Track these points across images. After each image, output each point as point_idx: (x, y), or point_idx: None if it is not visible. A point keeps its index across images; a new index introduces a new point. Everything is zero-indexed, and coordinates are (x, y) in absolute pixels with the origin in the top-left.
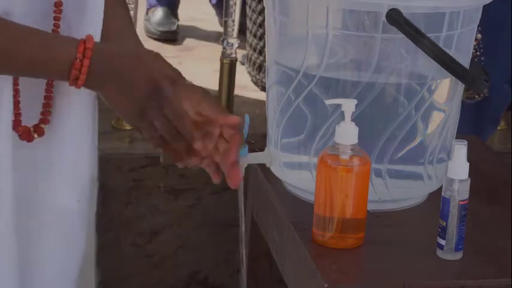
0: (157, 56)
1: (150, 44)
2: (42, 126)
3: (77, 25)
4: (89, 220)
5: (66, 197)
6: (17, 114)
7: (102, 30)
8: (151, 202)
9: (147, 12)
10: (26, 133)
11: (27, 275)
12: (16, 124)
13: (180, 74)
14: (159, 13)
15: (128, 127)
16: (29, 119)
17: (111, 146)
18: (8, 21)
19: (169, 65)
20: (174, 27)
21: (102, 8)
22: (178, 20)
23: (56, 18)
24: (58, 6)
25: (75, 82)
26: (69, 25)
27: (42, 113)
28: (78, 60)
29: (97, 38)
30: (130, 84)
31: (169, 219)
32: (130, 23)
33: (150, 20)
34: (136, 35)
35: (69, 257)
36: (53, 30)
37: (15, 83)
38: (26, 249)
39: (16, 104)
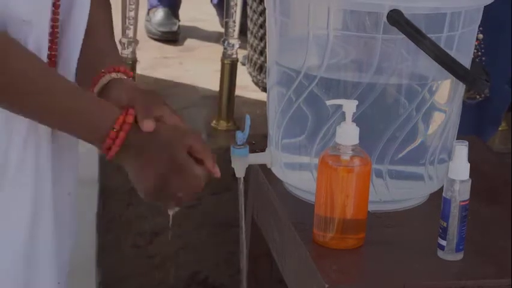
0: (187, 130)
1: (151, 45)
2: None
3: (65, 27)
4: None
5: (65, 191)
6: None
7: (85, 43)
8: (152, 203)
9: (148, 13)
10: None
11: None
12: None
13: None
14: (160, 14)
15: None
16: None
17: None
18: (49, 70)
19: (197, 135)
20: (174, 28)
21: (87, 13)
22: (179, 21)
23: (54, 20)
24: (57, 7)
25: (107, 152)
26: (61, 27)
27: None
28: (114, 130)
29: (80, 34)
30: (152, 155)
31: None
32: (112, 37)
33: (151, 20)
34: (116, 49)
35: (63, 246)
36: (52, 26)
37: None
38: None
39: None
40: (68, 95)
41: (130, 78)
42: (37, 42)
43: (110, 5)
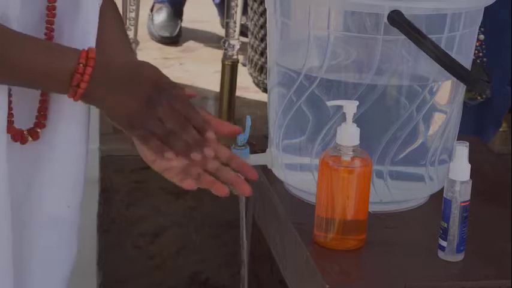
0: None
1: (152, 45)
2: (38, 130)
3: (69, 31)
4: (80, 226)
5: (56, 203)
6: (9, 114)
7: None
8: (153, 203)
9: (151, 9)
10: (18, 135)
11: (20, 281)
12: (8, 125)
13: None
14: (163, 14)
15: None
16: (23, 122)
17: (112, 148)
18: (5, 27)
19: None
20: (175, 32)
21: (97, 16)
22: (181, 21)
23: (49, 22)
24: (51, 10)
25: (75, 90)
26: (62, 30)
27: (37, 117)
28: (81, 65)
29: (92, 34)
30: (136, 83)
31: (170, 220)
32: (123, 31)
33: (154, 20)
34: (129, 42)
35: (60, 262)
36: (45, 34)
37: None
38: (19, 254)
39: (8, 104)
40: (24, 43)
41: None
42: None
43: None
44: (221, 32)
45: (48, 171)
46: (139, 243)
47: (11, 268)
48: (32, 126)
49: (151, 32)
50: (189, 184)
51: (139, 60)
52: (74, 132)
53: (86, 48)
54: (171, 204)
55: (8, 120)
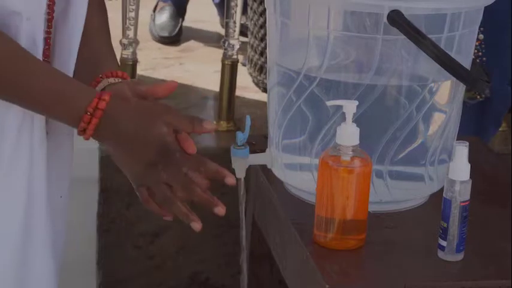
0: (167, 110)
1: (152, 45)
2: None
3: (61, 28)
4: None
5: (58, 193)
6: None
7: (82, 49)
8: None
9: (154, 8)
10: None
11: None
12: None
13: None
14: (165, 14)
15: None
16: None
17: None
18: (28, 53)
19: (173, 110)
20: (174, 32)
21: (84, 13)
22: (183, 20)
23: (49, 20)
24: (51, 8)
25: (82, 133)
26: (56, 27)
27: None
28: (88, 114)
29: (77, 36)
30: (138, 146)
31: (170, 220)
32: (109, 42)
33: (155, 21)
34: (113, 54)
35: (55, 252)
36: (46, 32)
37: None
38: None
39: None
40: (45, 75)
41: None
42: (31, 36)
43: (105, 9)
44: (221, 31)
45: (54, 162)
46: (139, 243)
47: (48, 245)
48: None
49: (152, 32)
50: (167, 217)
51: (151, 110)
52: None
53: (100, 95)
54: None
55: None
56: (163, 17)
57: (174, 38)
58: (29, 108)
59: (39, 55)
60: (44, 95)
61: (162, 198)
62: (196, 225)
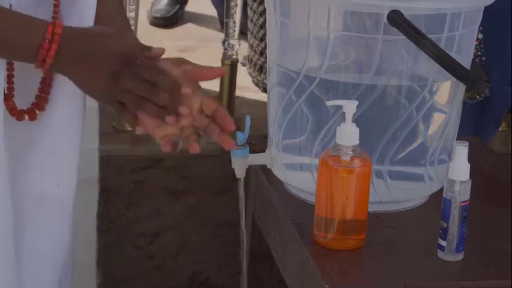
0: (124, 33)
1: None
2: (36, 111)
3: (68, 11)
4: (73, 209)
5: (45, 182)
6: (9, 88)
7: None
8: (153, 203)
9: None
10: (15, 111)
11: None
12: (7, 98)
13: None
14: (164, 1)
15: (130, 128)
16: (25, 99)
17: (112, 148)
18: None
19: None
20: (168, 14)
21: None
22: (181, 7)
23: (56, 5)
24: None
25: (41, 63)
26: (61, 12)
27: (37, 97)
28: (46, 40)
29: (91, 7)
30: (102, 59)
31: (170, 220)
32: (121, 6)
33: (153, 5)
34: (126, 18)
35: (50, 243)
36: (52, 17)
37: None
38: (13, 232)
39: (10, 77)
40: None
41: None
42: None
43: None
44: (221, 31)
45: (38, 151)
46: (139, 243)
47: (12, 246)
48: (30, 106)
49: (149, 16)
50: (166, 148)
51: (108, 31)
52: (71, 117)
53: (53, 21)
54: (171, 204)
55: (8, 93)
56: (162, 3)
57: (167, 19)
58: None
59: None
60: None
61: (133, 104)
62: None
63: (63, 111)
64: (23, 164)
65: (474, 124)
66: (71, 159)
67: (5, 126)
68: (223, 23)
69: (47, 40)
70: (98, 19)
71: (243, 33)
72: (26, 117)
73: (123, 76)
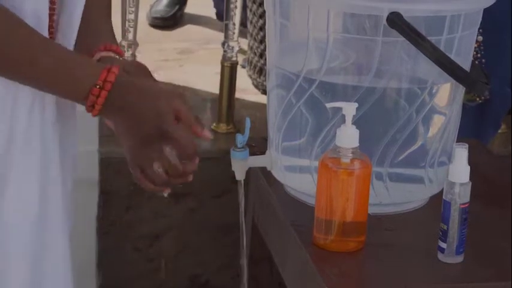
0: (172, 93)
1: (151, 46)
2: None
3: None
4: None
5: (69, 178)
6: None
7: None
8: (152, 206)
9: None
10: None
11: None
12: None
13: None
14: (163, 2)
15: None
16: None
17: (111, 150)
18: (34, 30)
19: (182, 98)
20: (167, 15)
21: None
22: (181, 8)
23: (51, 9)
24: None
25: (90, 109)
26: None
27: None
28: (97, 87)
29: (78, 11)
30: (139, 119)
31: (170, 223)
32: (108, 18)
33: (152, 7)
34: (111, 29)
35: (66, 233)
36: (50, 8)
37: None
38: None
39: None
40: (51, 50)
41: (121, 58)
42: (36, 13)
43: None
44: (221, 33)
45: (65, 147)
46: (138, 245)
47: (62, 237)
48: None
49: (148, 17)
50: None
51: (160, 88)
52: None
53: (109, 67)
54: (170, 207)
55: None
56: (161, 4)
57: (166, 20)
58: (36, 85)
59: (45, 32)
60: (50, 70)
61: (152, 176)
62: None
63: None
64: (62, 160)
65: (474, 126)
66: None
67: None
68: (220, 17)
69: (98, 86)
70: (83, 31)
71: (242, 25)
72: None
73: (154, 144)
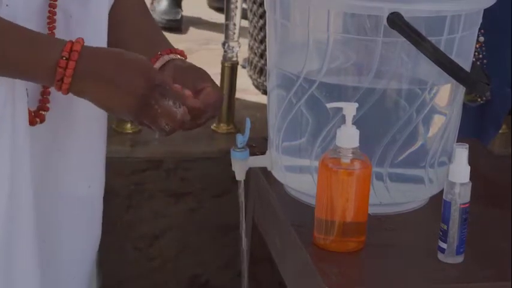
0: (147, 66)
1: None
2: (42, 112)
3: (79, 14)
4: (101, 206)
5: (77, 183)
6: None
7: (134, 33)
8: (153, 206)
9: (152, 3)
10: (30, 116)
11: (45, 258)
12: None
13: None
14: (163, 3)
15: (129, 130)
16: (33, 103)
17: (112, 150)
18: None
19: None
20: (178, 16)
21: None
22: (182, 10)
23: (51, 6)
24: None
25: (59, 84)
26: (70, 14)
27: (40, 101)
28: (64, 58)
29: (103, 30)
30: (126, 82)
31: (170, 222)
32: (158, 26)
33: (156, 9)
34: (165, 37)
35: (84, 240)
36: (48, 17)
37: None
38: (44, 233)
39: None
40: (11, 31)
41: (186, 59)
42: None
43: None
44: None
45: (65, 153)
46: (139, 245)
47: (35, 249)
48: (35, 108)
49: (154, 18)
50: None
51: (127, 52)
52: (82, 113)
53: (73, 40)
54: (170, 207)
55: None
56: (163, 5)
57: (177, 22)
58: (1, 70)
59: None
60: (14, 52)
61: (160, 131)
62: None
63: (74, 109)
64: (54, 168)
65: (474, 126)
66: (99, 157)
67: (31, 133)
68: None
69: (64, 58)
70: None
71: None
72: (38, 120)
73: (150, 101)
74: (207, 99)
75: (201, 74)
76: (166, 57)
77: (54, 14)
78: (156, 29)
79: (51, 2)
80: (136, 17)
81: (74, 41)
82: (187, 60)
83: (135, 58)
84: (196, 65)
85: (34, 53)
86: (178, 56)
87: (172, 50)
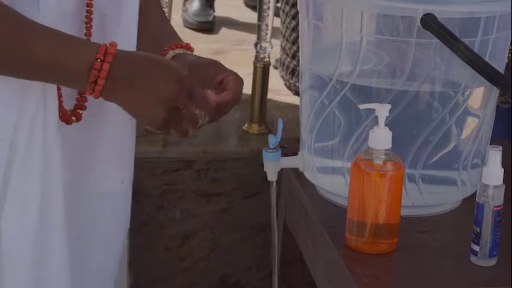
0: (178, 73)
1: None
2: (79, 111)
3: (113, 13)
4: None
5: (111, 180)
6: (58, 94)
7: (141, 28)
8: (184, 206)
9: (184, 4)
10: (65, 115)
11: (80, 254)
12: (59, 105)
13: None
14: (196, 4)
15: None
16: (70, 102)
17: (143, 150)
18: (22, 17)
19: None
20: (210, 18)
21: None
22: (214, 11)
23: (89, 5)
24: None
25: (92, 86)
26: (104, 13)
27: (77, 99)
28: (98, 60)
29: (133, 27)
30: (157, 87)
31: (201, 223)
32: (166, 18)
33: (188, 10)
34: (172, 29)
35: (117, 236)
36: (86, 17)
37: None
38: (79, 230)
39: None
40: (45, 35)
41: (193, 53)
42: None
43: None
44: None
45: (96, 150)
46: (169, 245)
47: (65, 245)
48: (72, 107)
49: (186, 19)
50: None
51: (159, 57)
52: (116, 110)
53: (107, 43)
54: (201, 207)
55: (58, 100)
56: (195, 6)
57: (211, 23)
58: (34, 74)
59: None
60: (47, 55)
61: (181, 134)
62: None
63: (107, 107)
64: (87, 166)
65: (507, 128)
66: (130, 153)
67: (62, 132)
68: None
69: (99, 60)
70: (145, 33)
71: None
72: (74, 119)
73: (178, 108)
74: (231, 88)
75: (216, 66)
76: (171, 53)
77: (91, 13)
78: (162, 19)
79: (88, 1)
80: (148, 14)
81: (108, 44)
82: (194, 53)
83: (167, 64)
84: (229, 65)
85: (68, 55)
86: (183, 51)
87: (177, 44)
